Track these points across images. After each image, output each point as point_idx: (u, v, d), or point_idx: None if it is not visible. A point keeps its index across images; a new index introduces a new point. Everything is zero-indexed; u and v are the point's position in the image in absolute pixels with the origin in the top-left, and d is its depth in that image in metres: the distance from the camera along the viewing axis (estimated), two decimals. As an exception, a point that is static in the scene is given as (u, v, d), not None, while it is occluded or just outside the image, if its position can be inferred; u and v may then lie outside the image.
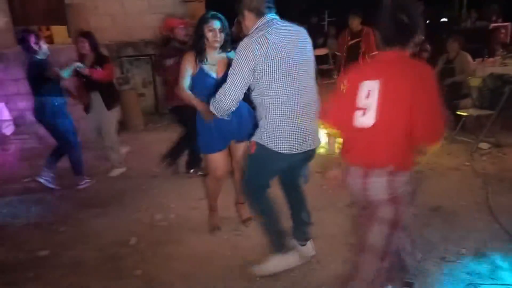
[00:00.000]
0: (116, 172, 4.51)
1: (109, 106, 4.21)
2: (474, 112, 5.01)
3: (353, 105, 1.84)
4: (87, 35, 4.16)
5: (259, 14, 2.18)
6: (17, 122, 5.26)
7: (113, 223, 3.36)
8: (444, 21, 10.02)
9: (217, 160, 2.89)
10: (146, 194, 3.87)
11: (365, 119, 1.80)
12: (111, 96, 4.23)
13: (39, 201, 3.89)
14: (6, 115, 4.87)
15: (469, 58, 5.32)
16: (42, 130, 5.75)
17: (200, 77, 2.81)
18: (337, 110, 2.00)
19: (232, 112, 2.32)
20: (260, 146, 2.24)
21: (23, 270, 2.75)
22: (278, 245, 2.50)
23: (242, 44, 2.12)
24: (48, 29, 6.89)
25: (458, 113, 5.07)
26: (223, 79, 2.35)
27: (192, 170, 4.29)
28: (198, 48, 2.78)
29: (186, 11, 6.34)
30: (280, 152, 2.19)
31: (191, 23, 3.76)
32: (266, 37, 2.08)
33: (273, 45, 2.08)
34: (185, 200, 3.69)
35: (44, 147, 5.40)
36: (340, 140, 2.38)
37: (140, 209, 3.55)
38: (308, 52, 2.25)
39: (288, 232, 2.58)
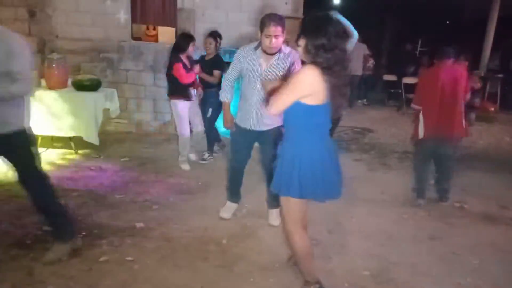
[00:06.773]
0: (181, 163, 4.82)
1: (170, 95, 4.68)
2: None
3: None
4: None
5: None
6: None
7: (200, 208, 3.72)
8: None
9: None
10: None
11: None
12: (173, 87, 4.61)
13: (135, 180, 4.36)
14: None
15: None
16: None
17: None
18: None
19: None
20: None
21: (122, 235, 3.15)
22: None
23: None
24: (154, 28, 7.62)
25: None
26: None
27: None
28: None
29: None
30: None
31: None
32: None
33: None
34: (258, 196, 3.89)
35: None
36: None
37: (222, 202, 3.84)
38: None
39: None
